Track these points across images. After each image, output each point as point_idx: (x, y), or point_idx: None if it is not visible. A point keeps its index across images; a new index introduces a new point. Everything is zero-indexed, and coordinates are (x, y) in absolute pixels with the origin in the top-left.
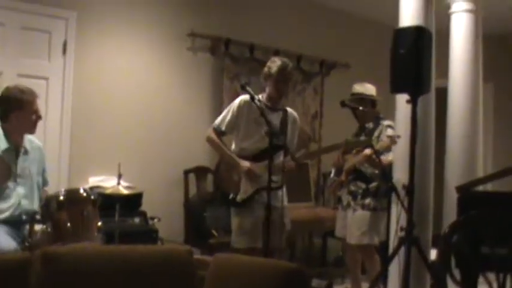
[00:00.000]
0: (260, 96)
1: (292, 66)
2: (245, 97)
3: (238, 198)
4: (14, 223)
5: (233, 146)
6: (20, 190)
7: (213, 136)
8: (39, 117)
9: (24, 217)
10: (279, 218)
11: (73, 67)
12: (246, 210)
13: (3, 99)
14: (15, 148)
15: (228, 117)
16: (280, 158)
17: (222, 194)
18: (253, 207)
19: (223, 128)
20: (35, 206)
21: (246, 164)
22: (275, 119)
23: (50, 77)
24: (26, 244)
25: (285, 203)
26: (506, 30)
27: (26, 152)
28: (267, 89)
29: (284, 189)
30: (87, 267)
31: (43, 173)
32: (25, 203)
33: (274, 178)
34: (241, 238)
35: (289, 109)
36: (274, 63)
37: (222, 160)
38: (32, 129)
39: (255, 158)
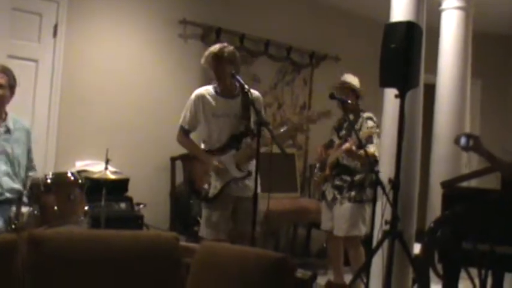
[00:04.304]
0: (213, 86)
1: (229, 49)
2: (199, 91)
3: (210, 193)
4: (1, 202)
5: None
6: (1, 168)
7: (180, 137)
8: None
9: (8, 195)
10: (249, 207)
11: (63, 50)
12: (215, 204)
13: None
14: None
15: (188, 115)
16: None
17: (192, 188)
18: (222, 201)
19: (186, 127)
20: (18, 185)
21: (213, 160)
22: (234, 105)
23: (40, 59)
24: (13, 226)
25: (258, 191)
26: (494, 28)
27: (8, 131)
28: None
29: (257, 177)
30: (73, 251)
31: (28, 154)
32: (6, 180)
33: (241, 167)
34: (208, 230)
35: (251, 91)
36: (208, 53)
37: (194, 156)
38: None
39: (220, 149)
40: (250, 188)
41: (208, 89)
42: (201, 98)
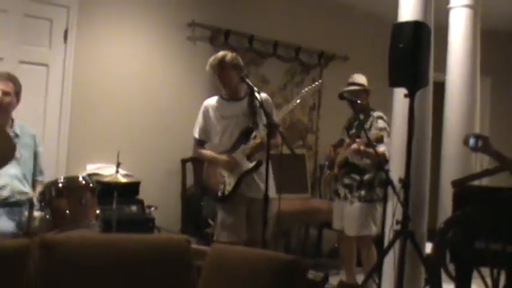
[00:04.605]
0: (219, 94)
1: (231, 55)
2: (206, 102)
3: (225, 191)
4: (10, 204)
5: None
6: (11, 171)
7: (195, 148)
8: None
9: (18, 197)
10: (261, 211)
11: (73, 55)
12: (229, 205)
13: None
14: None
15: (199, 126)
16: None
17: (204, 190)
18: (235, 202)
19: (197, 136)
20: (28, 188)
21: (223, 157)
22: (241, 107)
23: (50, 64)
24: (25, 231)
25: (272, 195)
26: (503, 25)
27: (16, 136)
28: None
29: (271, 180)
30: (85, 256)
31: (36, 159)
32: (16, 183)
33: (252, 158)
34: (223, 232)
35: (258, 93)
36: (211, 60)
37: (208, 163)
38: None
39: (232, 149)
40: (262, 190)
41: (215, 98)
42: (208, 106)
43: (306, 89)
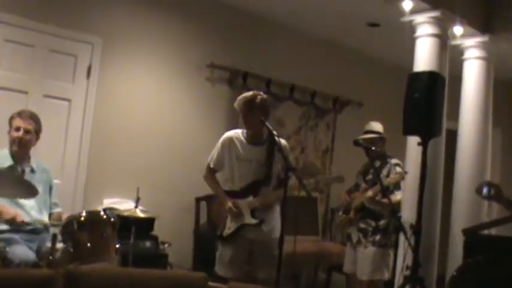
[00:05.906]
0: (242, 131)
1: (261, 97)
2: (228, 134)
3: (224, 233)
4: (28, 231)
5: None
6: (28, 203)
7: (206, 175)
8: (16, 135)
9: (36, 225)
10: (264, 251)
11: (95, 91)
12: (229, 244)
13: None
14: (20, 166)
15: (215, 155)
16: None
17: (211, 227)
18: (236, 242)
19: (211, 165)
20: (45, 217)
21: (229, 203)
22: (259, 152)
23: (73, 99)
24: (47, 261)
25: (276, 235)
26: None
27: (32, 171)
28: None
29: (277, 222)
30: None
31: (50, 192)
32: (34, 212)
33: (256, 214)
34: (220, 267)
35: (278, 139)
36: (240, 98)
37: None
38: (13, 145)
39: (240, 194)
40: (264, 232)
41: (238, 133)
42: (229, 141)
43: (324, 176)
